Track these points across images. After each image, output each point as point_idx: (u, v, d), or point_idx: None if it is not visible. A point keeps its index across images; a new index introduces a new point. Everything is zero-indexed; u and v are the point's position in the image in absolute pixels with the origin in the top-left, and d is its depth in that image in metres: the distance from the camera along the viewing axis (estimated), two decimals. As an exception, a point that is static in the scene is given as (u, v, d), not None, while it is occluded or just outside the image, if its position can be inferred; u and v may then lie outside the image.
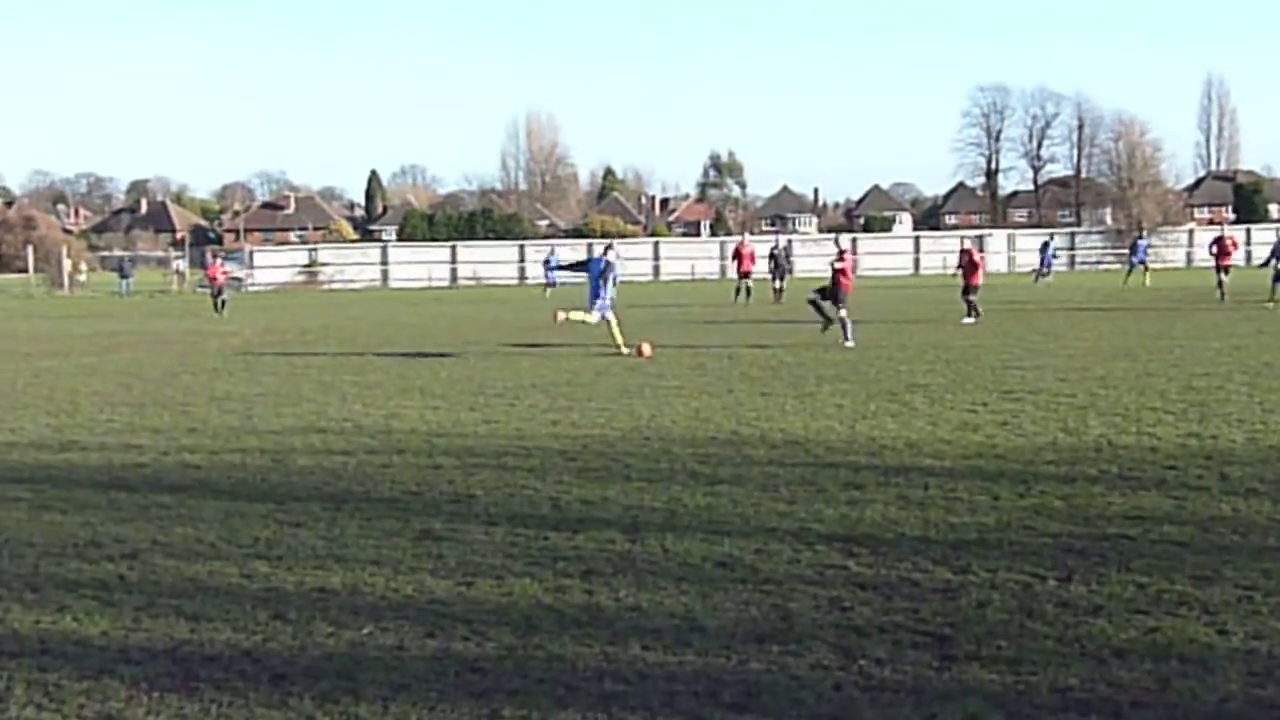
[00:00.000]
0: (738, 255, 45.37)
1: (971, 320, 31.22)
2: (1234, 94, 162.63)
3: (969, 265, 32.39)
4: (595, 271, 24.75)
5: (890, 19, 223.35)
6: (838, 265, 25.78)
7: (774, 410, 15.40)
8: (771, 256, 46.76)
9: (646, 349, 23.62)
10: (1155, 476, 10.71)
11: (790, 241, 67.94)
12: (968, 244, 35.56)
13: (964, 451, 12.13)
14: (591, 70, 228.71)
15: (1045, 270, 57.05)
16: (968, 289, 32.15)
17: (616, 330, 24.58)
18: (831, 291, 25.77)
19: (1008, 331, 27.84)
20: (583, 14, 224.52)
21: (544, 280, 54.88)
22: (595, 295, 24.56)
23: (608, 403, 16.45)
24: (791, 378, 19.14)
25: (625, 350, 23.89)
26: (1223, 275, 38.96)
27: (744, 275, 44.57)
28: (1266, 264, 36.55)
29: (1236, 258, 40.95)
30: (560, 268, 37.02)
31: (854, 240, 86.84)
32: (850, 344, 24.43)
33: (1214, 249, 40.38)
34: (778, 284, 45.19)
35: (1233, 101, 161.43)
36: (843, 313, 25.46)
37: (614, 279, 24.89)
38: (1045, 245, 58.18)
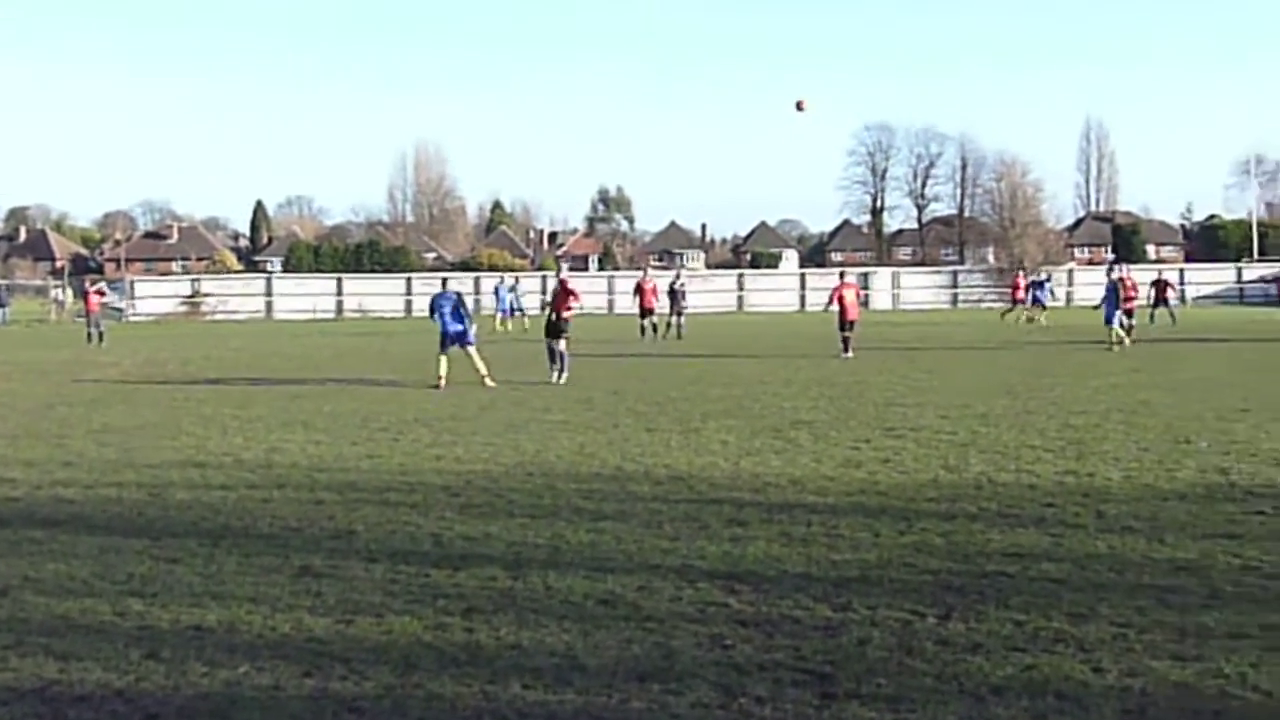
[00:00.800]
0: (639, 291, 44.59)
1: (849, 355, 31.78)
2: (1113, 136, 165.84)
3: (840, 301, 33.08)
4: (448, 308, 25.40)
5: (777, 55, 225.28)
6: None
7: (659, 446, 15.42)
8: (671, 291, 46.22)
9: None
10: (1034, 514, 10.86)
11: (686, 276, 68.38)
12: (850, 279, 35.91)
13: (847, 488, 12.22)
14: (480, 102, 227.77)
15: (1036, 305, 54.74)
16: (845, 324, 32.76)
17: (481, 362, 25.06)
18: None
19: (891, 368, 28.13)
20: (472, 46, 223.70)
21: (499, 310, 53.42)
22: (464, 332, 25.21)
23: (492, 437, 16.37)
24: (678, 413, 19.18)
25: (491, 383, 24.31)
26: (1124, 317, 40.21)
27: (646, 312, 43.59)
28: (1099, 307, 36.90)
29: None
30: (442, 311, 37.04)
31: (741, 276, 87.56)
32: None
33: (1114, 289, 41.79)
34: (674, 319, 44.79)
35: (1111, 144, 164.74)
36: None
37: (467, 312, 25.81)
38: (1039, 284, 55.33)
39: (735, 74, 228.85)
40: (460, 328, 25.11)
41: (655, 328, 42.65)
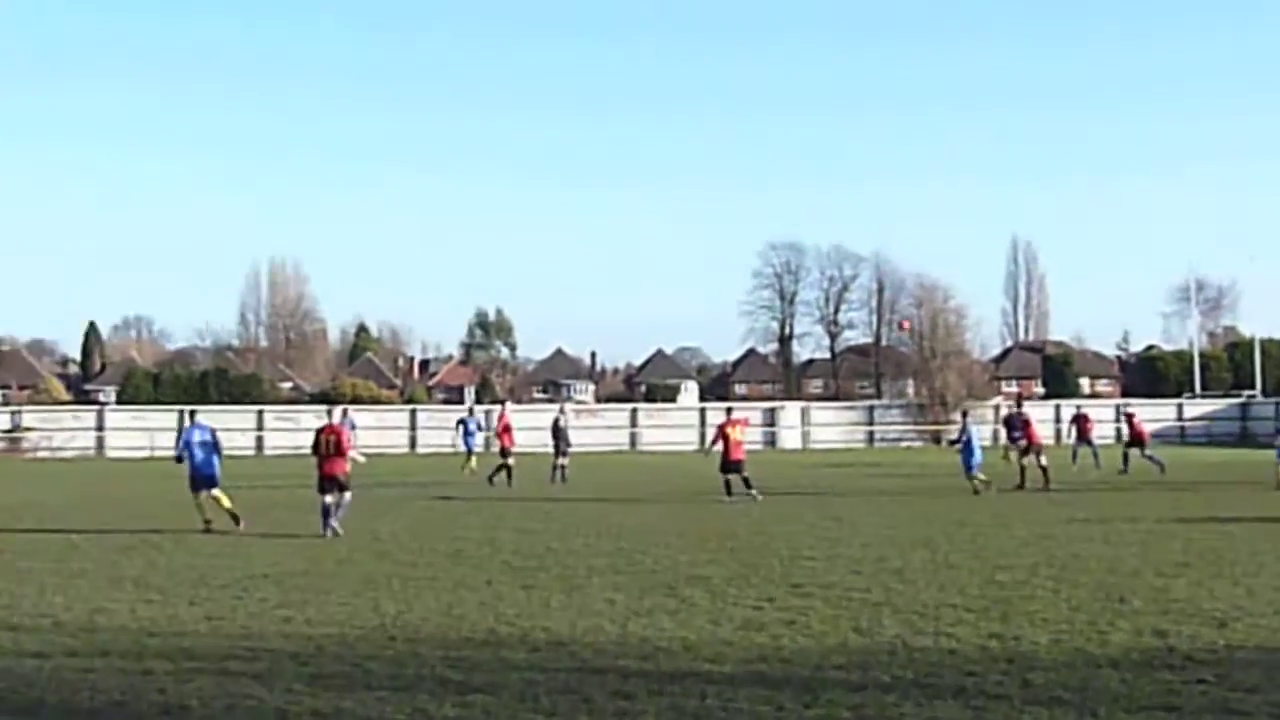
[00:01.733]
0: (501, 427, 43.38)
1: (752, 493, 32.45)
2: (1042, 258, 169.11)
3: (724, 440, 33.50)
4: (198, 442, 26.26)
5: (672, 165, 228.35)
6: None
7: (537, 605, 15.33)
8: (555, 429, 45.13)
9: None
10: (953, 683, 10.90)
11: (567, 411, 68.23)
12: (738, 415, 36.17)
13: (746, 654, 12.21)
14: (343, 214, 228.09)
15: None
16: (728, 466, 33.38)
17: (226, 500, 25.97)
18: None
19: (799, 516, 28.26)
20: (334, 154, 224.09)
21: (463, 447, 51.25)
22: (214, 474, 26.20)
23: (349, 596, 16.20)
24: (560, 568, 19.11)
25: (242, 526, 25.22)
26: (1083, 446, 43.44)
27: (504, 452, 42.19)
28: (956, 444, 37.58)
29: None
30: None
31: (635, 410, 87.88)
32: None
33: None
34: (559, 460, 43.81)
35: (1041, 266, 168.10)
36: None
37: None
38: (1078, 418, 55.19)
39: (627, 187, 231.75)
40: (213, 470, 26.14)
41: (509, 471, 41.21)
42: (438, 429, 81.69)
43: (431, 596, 16.18)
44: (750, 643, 12.83)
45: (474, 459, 48.97)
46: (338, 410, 27.27)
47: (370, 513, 28.60)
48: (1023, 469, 37.42)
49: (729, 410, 38.63)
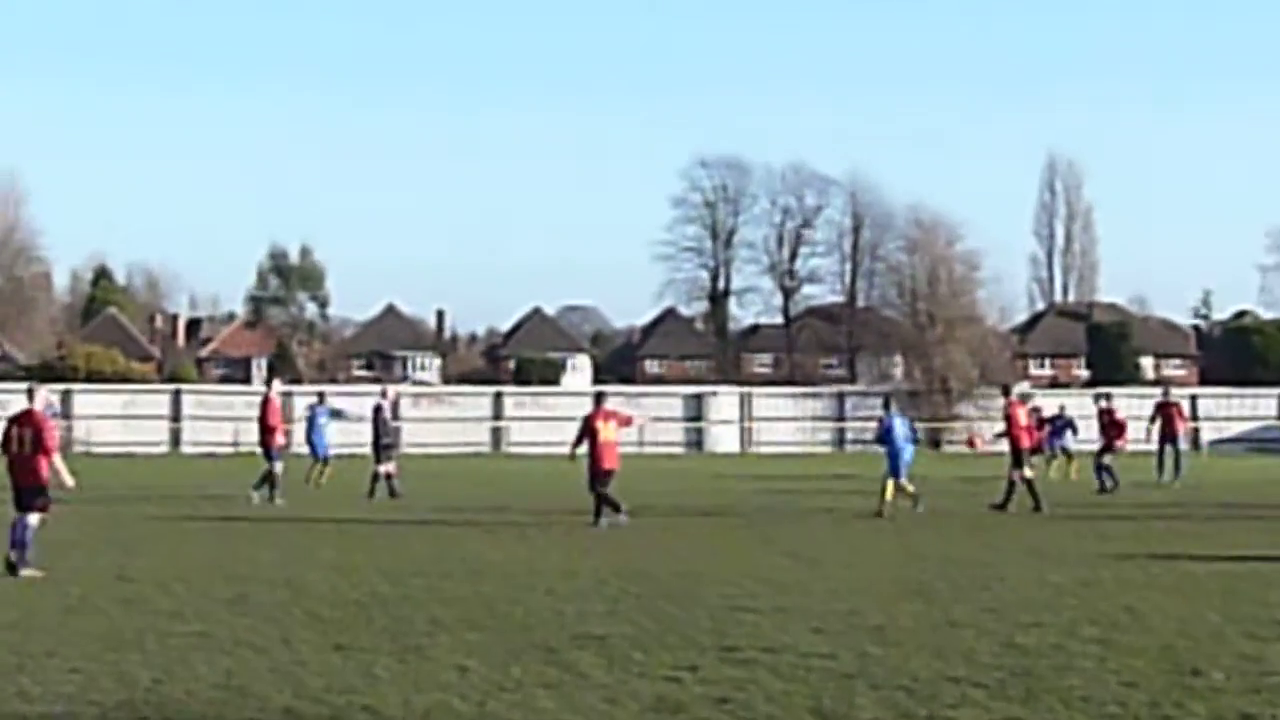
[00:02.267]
0: (263, 416, 42.89)
1: (617, 517, 32.91)
2: (1088, 187, 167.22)
3: (593, 438, 33.85)
4: None
5: (556, 62, 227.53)
6: None
7: (356, 675, 15.32)
8: (376, 420, 44.93)
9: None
10: (955, 791, 11.01)
11: (398, 395, 67.20)
12: (610, 405, 36.26)
13: (659, 748, 12.26)
14: (83, 120, 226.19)
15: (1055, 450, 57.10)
16: (599, 476, 33.68)
17: None
18: None
19: (738, 549, 28.35)
20: (69, 41, 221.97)
21: (314, 452, 50.39)
22: None
23: (83, 660, 16.10)
24: (389, 621, 19.09)
25: None
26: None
27: (268, 452, 42.09)
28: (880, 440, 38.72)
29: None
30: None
31: (499, 396, 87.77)
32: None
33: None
34: (381, 466, 43.66)
35: (1086, 198, 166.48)
36: None
37: None
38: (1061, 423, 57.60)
39: (486, 88, 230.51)
40: None
41: (273, 481, 40.66)
42: (213, 419, 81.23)
43: (202, 660, 16.11)
44: (664, 731, 12.88)
45: (327, 466, 48.72)
46: (41, 392, 26.57)
47: (115, 541, 28.43)
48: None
49: (599, 397, 38.15)
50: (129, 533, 30.68)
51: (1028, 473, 37.95)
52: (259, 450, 43.25)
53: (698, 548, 28.81)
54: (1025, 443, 38.50)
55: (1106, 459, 47.48)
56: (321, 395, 57.66)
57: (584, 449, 34.25)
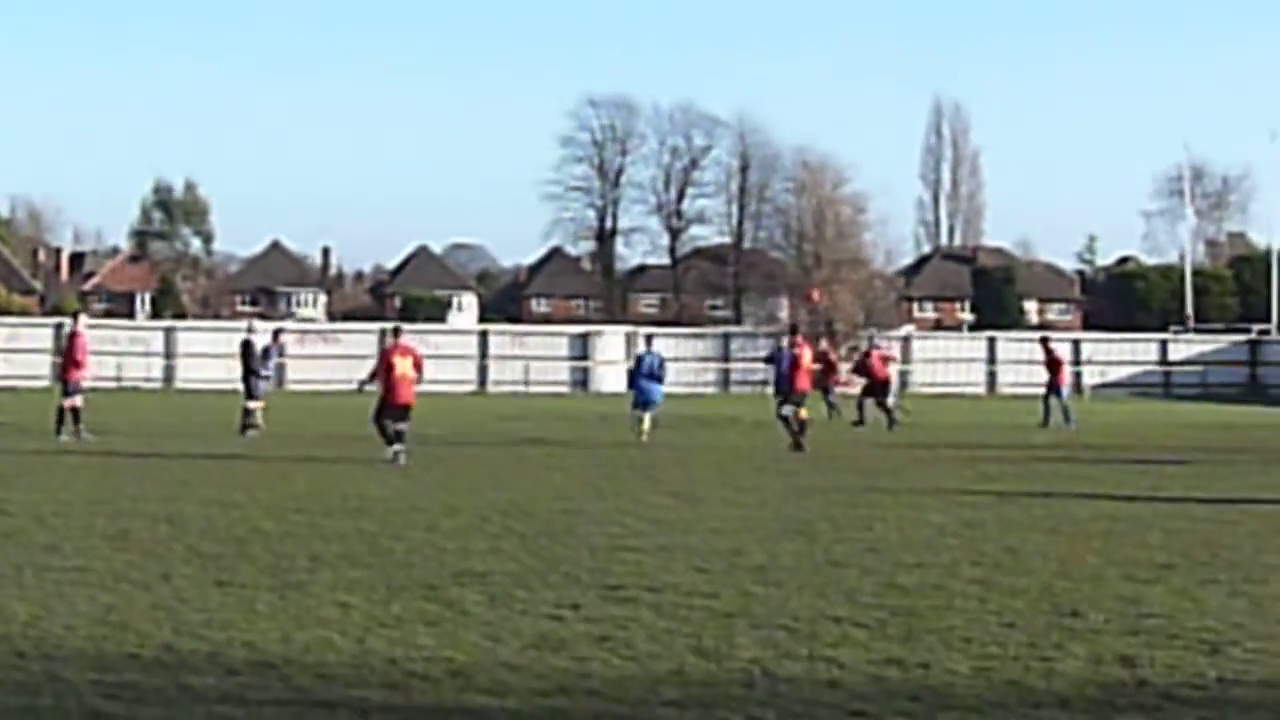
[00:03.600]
0: (69, 350, 41.97)
1: (399, 450, 33.06)
2: (975, 130, 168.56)
3: (388, 372, 33.97)
4: None
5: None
6: None
7: (237, 611, 15.21)
8: (244, 353, 44.43)
9: None
10: (821, 729, 11.01)
11: (280, 332, 66.19)
12: (405, 340, 36.15)
13: (540, 685, 12.22)
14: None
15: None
16: (394, 410, 33.74)
17: None
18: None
19: (621, 489, 28.35)
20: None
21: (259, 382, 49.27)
22: None
23: (-43, 594, 15.97)
24: (270, 557, 18.98)
25: None
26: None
27: (68, 388, 40.71)
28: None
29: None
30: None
31: (384, 334, 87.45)
32: None
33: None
34: (250, 403, 43.08)
35: (973, 142, 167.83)
36: None
37: None
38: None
39: (375, 22, 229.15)
40: None
41: (76, 414, 39.96)
42: (96, 354, 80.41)
43: (81, 596, 15.98)
44: (546, 667, 12.85)
45: (259, 404, 47.83)
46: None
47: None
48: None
49: (396, 331, 38.14)
50: (6, 466, 30.45)
51: (802, 413, 38.86)
52: (60, 386, 42.30)
53: (581, 486, 28.80)
54: (806, 384, 39.51)
55: (1065, 397, 50.79)
56: (251, 326, 56.72)
57: (375, 386, 34.85)
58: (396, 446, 32.98)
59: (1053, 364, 52.39)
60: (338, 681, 12.28)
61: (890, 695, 12.01)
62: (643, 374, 39.71)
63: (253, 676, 12.38)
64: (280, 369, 47.68)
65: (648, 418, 37.96)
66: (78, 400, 40.40)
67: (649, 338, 40.22)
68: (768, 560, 19.30)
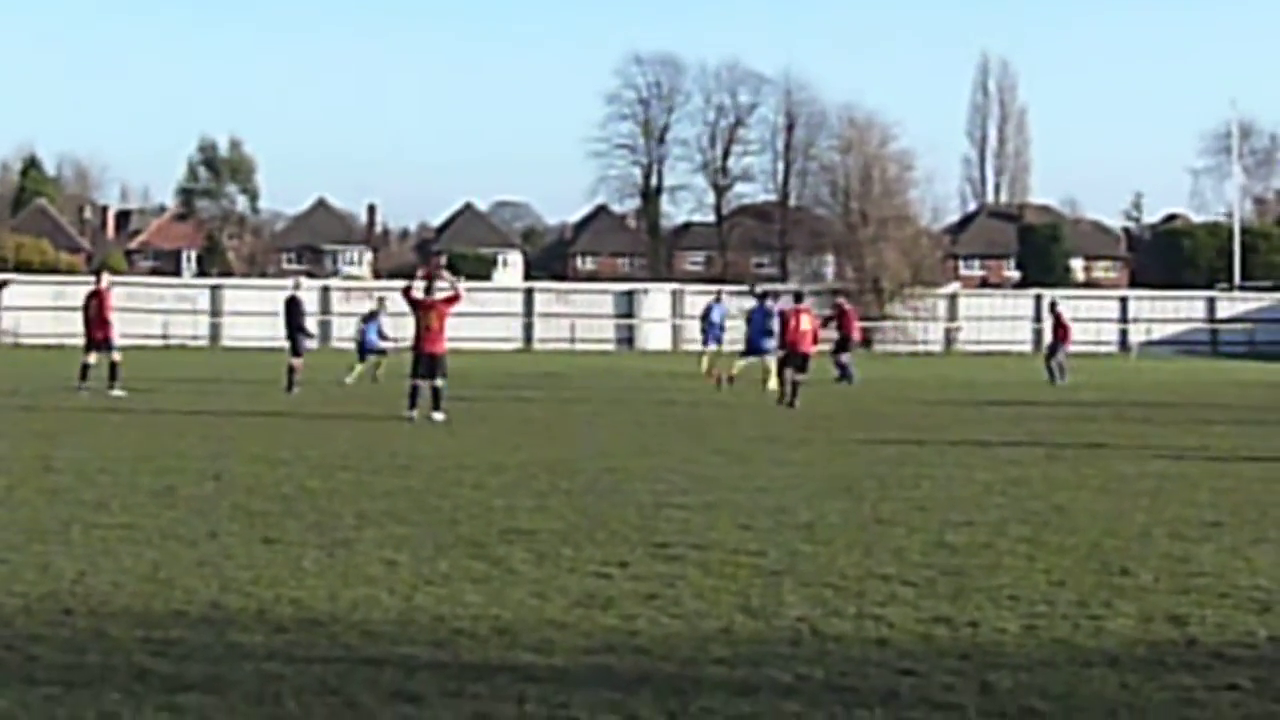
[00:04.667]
0: (91, 307, 41.75)
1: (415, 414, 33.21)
2: (1022, 88, 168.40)
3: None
4: None
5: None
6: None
7: (284, 568, 15.23)
8: (290, 310, 44.24)
9: None
10: (881, 686, 10.95)
11: (327, 289, 66.09)
12: (375, 300, 36.46)
13: (587, 643, 12.20)
14: (9, 5, 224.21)
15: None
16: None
17: None
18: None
19: (668, 448, 28.33)
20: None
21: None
22: None
23: (8, 551, 15.98)
24: (317, 514, 19.01)
25: None
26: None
27: (92, 343, 41.95)
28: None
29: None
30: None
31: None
32: None
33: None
34: (294, 359, 42.98)
35: (1020, 99, 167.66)
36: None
37: None
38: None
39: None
40: None
41: (84, 371, 40.12)
42: (142, 311, 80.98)
43: (128, 553, 16.01)
44: (593, 625, 12.83)
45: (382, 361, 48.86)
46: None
47: (39, 431, 28.26)
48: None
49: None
50: (55, 424, 30.52)
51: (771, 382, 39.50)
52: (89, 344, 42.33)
53: (628, 444, 28.78)
54: (808, 345, 39.84)
55: (1060, 356, 52.68)
56: (382, 300, 56.95)
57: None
58: (413, 412, 33.17)
59: (1060, 328, 54.91)
60: (384, 639, 12.26)
61: (939, 654, 11.96)
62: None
63: (299, 634, 12.38)
64: (325, 326, 47.52)
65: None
66: (116, 355, 40.52)
67: (718, 293, 41.05)
68: (815, 518, 19.27)
